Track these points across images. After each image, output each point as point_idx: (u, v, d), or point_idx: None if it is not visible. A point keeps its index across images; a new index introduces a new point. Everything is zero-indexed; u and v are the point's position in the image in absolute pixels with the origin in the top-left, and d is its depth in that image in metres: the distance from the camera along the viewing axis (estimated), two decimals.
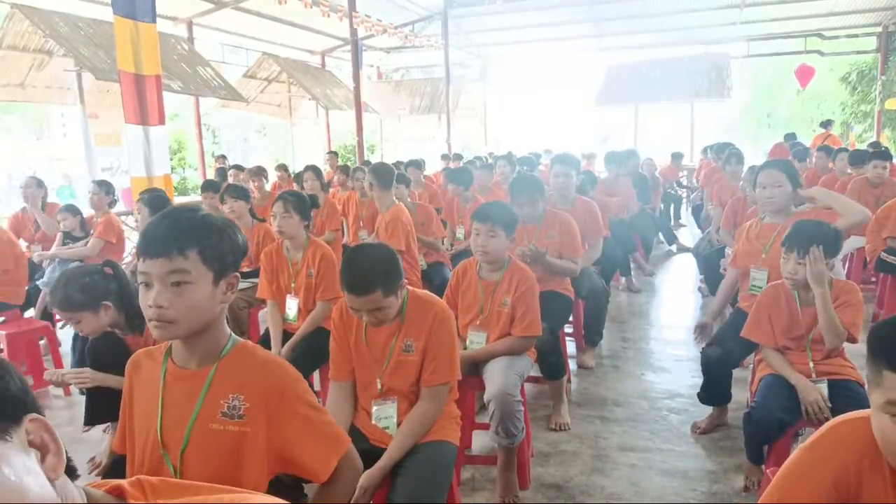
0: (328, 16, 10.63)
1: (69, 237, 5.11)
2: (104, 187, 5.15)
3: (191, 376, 1.39)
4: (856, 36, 15.80)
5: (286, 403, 1.38)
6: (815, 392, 2.39)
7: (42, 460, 0.76)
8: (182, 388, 1.40)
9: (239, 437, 1.36)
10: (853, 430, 1.25)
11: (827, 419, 2.29)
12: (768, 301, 2.64)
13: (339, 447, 1.45)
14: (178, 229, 1.30)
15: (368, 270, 1.94)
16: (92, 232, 5.02)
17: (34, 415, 0.78)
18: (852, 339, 2.44)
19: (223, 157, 11.41)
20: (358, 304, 1.96)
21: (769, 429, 2.43)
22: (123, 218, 6.63)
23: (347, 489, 1.49)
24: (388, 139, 18.07)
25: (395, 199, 4.53)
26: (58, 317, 4.64)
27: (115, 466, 1.81)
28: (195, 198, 7.40)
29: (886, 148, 7.71)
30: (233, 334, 1.45)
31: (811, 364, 2.51)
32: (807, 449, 1.29)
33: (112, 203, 5.18)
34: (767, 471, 2.15)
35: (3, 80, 8.63)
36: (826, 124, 12.04)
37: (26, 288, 4.62)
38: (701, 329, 3.32)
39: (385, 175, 4.51)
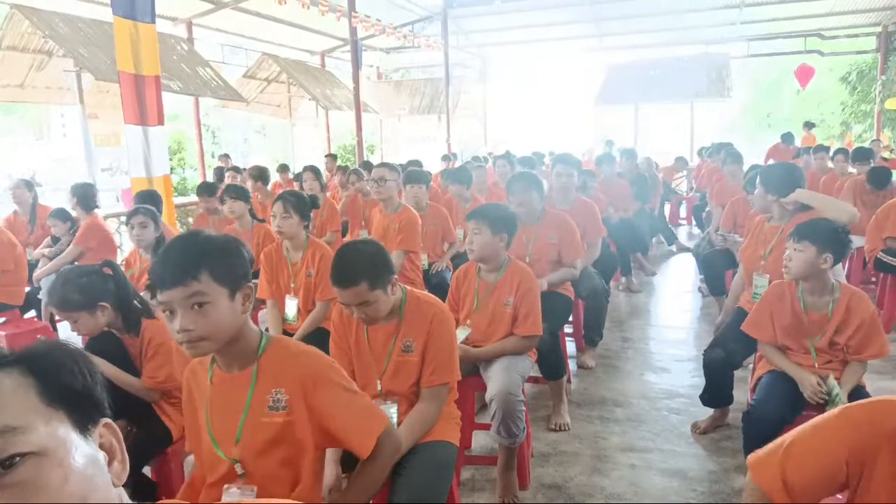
0: (325, 14, 10.62)
1: (57, 241, 5.01)
2: (78, 191, 4.84)
3: (236, 378, 1.53)
4: (856, 36, 15.79)
5: (321, 388, 1.52)
6: (811, 377, 2.40)
7: (108, 465, 0.81)
8: (230, 389, 1.54)
9: (286, 426, 1.51)
10: (885, 412, 1.23)
11: (826, 401, 2.30)
12: (772, 298, 2.62)
13: (377, 425, 1.58)
14: (186, 257, 1.40)
15: (354, 262, 1.96)
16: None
17: (108, 420, 0.85)
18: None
19: (226, 156, 11.37)
20: (345, 297, 1.97)
21: (769, 427, 2.42)
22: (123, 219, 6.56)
23: (387, 463, 1.63)
24: (388, 139, 18.08)
25: (401, 202, 4.48)
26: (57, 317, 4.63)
27: None
28: (195, 198, 7.37)
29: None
30: (264, 333, 1.57)
31: (815, 366, 2.50)
32: (837, 415, 1.28)
33: (88, 207, 4.83)
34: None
35: (2, 81, 8.62)
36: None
37: (26, 289, 4.61)
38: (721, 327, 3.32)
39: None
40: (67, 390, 0.79)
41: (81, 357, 0.84)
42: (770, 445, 1.37)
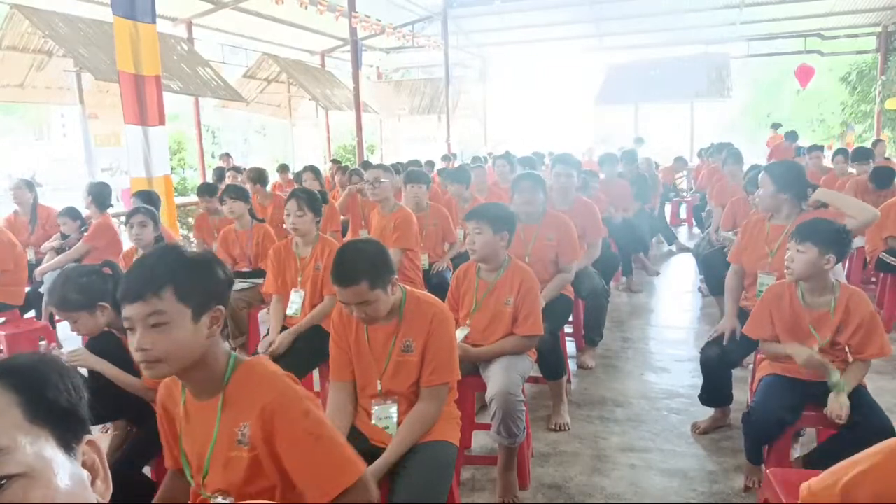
0: (323, 14, 10.62)
1: (65, 238, 5.03)
2: (94, 190, 4.93)
3: (205, 407, 1.45)
4: (856, 36, 15.80)
5: (279, 424, 1.37)
6: (806, 350, 2.41)
7: (91, 484, 0.79)
8: (200, 418, 1.46)
9: (253, 461, 1.40)
10: None
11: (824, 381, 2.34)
12: (772, 298, 2.62)
13: (340, 480, 1.39)
14: (151, 271, 1.33)
15: (355, 261, 1.95)
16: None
17: (91, 437, 0.81)
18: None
19: (227, 155, 11.35)
20: (345, 296, 1.96)
21: (768, 428, 2.43)
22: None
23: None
24: (388, 139, 18.08)
25: (397, 202, 4.49)
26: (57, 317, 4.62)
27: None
28: (195, 198, 7.37)
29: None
30: (234, 355, 1.46)
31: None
32: None
33: (102, 206, 4.93)
34: (767, 471, 2.15)
35: (3, 81, 8.62)
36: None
37: (26, 289, 4.61)
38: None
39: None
40: (53, 407, 0.76)
41: (66, 371, 0.81)
42: (826, 476, 1.26)
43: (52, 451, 0.74)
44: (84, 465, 0.79)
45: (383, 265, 1.98)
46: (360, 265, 1.94)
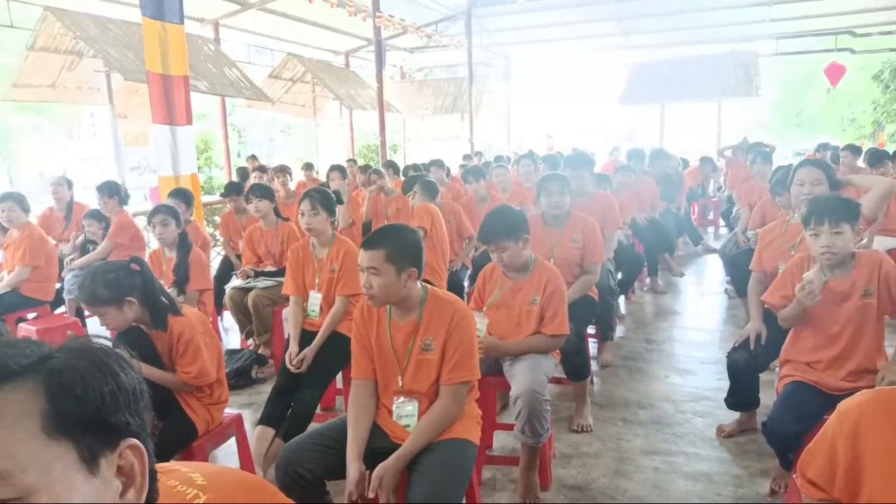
0: (354, 15, 10.65)
1: (91, 241, 5.12)
2: (106, 190, 5.06)
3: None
4: (889, 33, 15.43)
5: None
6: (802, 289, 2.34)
7: (123, 493, 0.72)
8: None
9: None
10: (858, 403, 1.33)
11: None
12: (796, 269, 2.58)
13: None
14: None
15: (386, 231, 2.11)
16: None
17: (134, 441, 0.73)
18: None
19: (253, 157, 11.46)
20: (363, 258, 2.06)
21: (784, 440, 2.43)
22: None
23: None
24: (411, 139, 18.10)
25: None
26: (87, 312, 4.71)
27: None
28: (220, 197, 7.45)
29: None
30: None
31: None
32: (833, 413, 1.39)
33: (122, 201, 5.10)
34: (794, 476, 2.11)
35: (35, 81, 8.81)
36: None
37: (56, 285, 4.71)
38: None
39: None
40: (78, 417, 0.68)
41: (99, 374, 0.71)
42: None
43: (64, 469, 0.66)
44: (121, 469, 0.72)
45: (404, 249, 2.04)
46: (387, 236, 2.07)
